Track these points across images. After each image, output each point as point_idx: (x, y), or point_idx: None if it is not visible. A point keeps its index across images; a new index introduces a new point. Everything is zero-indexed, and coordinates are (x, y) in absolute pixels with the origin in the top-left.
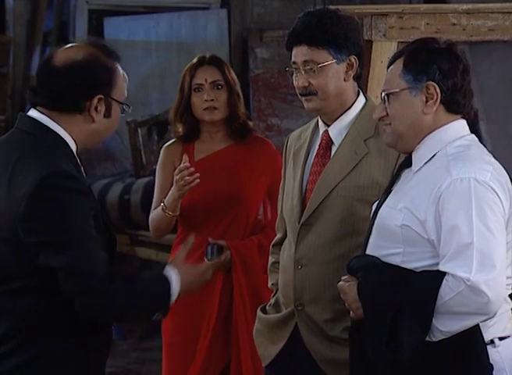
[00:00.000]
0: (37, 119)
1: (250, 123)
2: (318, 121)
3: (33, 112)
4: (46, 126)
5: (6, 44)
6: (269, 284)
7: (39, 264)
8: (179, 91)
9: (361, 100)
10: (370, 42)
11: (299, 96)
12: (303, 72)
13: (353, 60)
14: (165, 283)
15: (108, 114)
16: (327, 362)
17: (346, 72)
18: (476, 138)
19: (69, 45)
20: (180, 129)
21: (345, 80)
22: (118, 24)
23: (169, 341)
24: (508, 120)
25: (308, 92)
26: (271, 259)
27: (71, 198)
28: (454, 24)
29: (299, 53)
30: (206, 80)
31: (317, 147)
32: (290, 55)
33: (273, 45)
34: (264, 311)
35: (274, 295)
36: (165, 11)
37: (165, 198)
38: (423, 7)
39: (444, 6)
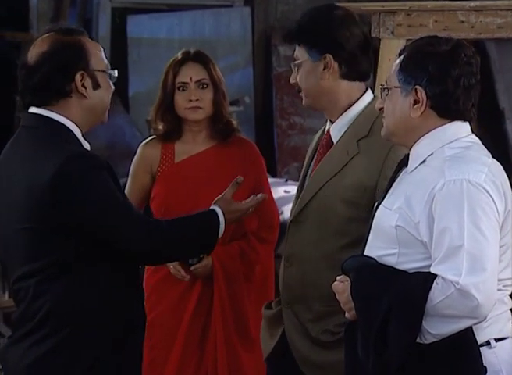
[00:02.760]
0: (38, 113)
1: (234, 123)
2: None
3: (32, 109)
4: (47, 117)
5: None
6: None
7: (83, 243)
8: (162, 88)
9: (366, 99)
10: (378, 40)
11: None
12: (293, 68)
13: (328, 59)
14: (214, 216)
15: (96, 85)
16: (307, 363)
17: (323, 71)
18: (477, 140)
19: (35, 43)
20: (160, 127)
21: (322, 79)
22: (141, 22)
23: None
24: None
25: (298, 89)
26: None
27: (93, 174)
28: (463, 22)
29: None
30: (191, 79)
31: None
32: None
33: None
34: (269, 306)
35: None
36: (188, 9)
37: (136, 203)
38: (431, 4)
39: (452, 3)
